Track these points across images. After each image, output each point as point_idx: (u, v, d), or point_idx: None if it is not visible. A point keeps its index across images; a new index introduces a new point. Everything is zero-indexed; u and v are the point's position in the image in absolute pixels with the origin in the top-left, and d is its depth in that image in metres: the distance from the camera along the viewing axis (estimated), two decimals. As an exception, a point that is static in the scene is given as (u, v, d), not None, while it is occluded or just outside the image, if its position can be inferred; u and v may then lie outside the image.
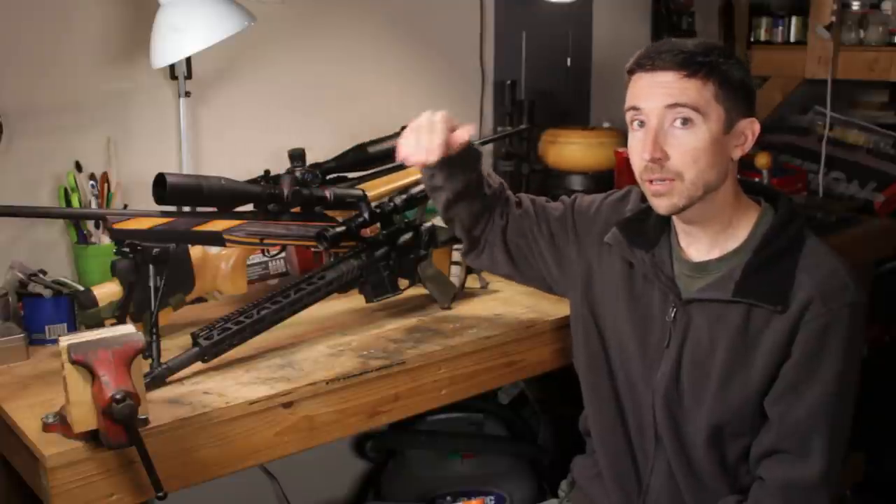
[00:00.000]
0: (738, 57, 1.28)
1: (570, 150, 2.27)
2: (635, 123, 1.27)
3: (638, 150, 1.26)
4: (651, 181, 1.26)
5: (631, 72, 1.28)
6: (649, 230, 1.38)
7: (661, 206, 1.28)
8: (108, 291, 1.45)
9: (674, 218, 1.34)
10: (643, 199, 1.39)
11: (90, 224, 1.69)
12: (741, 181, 1.34)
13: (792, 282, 1.25)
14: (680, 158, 1.23)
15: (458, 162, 1.40)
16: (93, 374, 1.09)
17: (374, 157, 1.63)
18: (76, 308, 1.49)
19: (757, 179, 2.26)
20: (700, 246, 1.33)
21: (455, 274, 1.77)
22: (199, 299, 1.68)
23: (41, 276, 1.59)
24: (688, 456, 1.34)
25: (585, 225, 1.46)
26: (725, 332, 1.28)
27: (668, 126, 1.23)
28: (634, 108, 1.26)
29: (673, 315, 1.32)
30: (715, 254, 1.32)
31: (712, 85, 1.22)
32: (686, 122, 1.22)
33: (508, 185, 1.56)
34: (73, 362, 1.09)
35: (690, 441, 1.33)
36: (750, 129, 1.27)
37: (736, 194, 1.31)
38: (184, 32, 1.58)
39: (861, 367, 1.28)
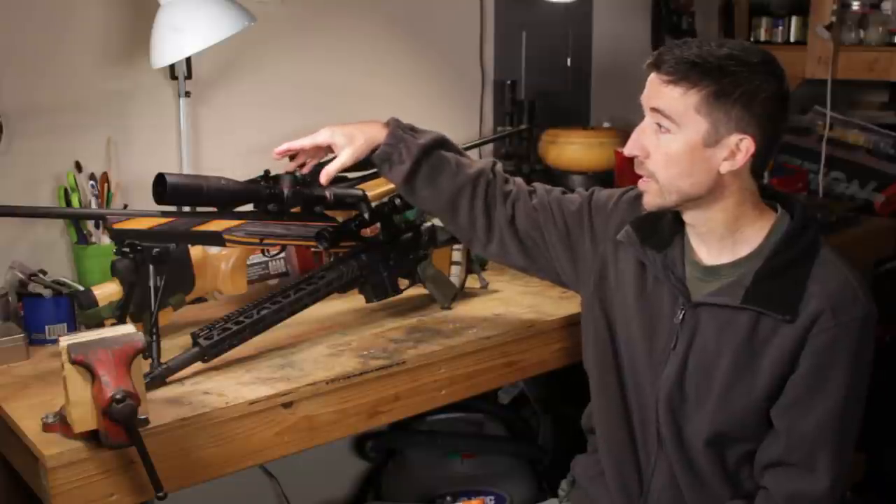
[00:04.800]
0: (774, 74, 1.23)
1: (570, 150, 2.27)
2: None
3: None
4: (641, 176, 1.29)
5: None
6: (663, 230, 1.36)
7: (643, 200, 1.31)
8: (108, 291, 1.45)
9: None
10: None
11: (90, 224, 1.69)
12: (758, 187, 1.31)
13: (803, 291, 1.24)
14: (654, 160, 1.25)
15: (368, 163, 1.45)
16: (93, 374, 1.10)
17: (374, 157, 1.63)
18: (76, 308, 1.49)
19: (765, 181, 2.26)
20: (710, 249, 1.32)
21: (455, 274, 1.77)
22: (199, 299, 1.68)
23: (41, 276, 1.59)
24: (689, 458, 1.34)
25: (602, 220, 1.44)
26: (732, 338, 1.27)
27: (653, 125, 1.25)
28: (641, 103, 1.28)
29: (681, 317, 1.31)
30: (726, 258, 1.31)
31: (696, 95, 1.20)
32: (661, 126, 1.23)
33: (523, 181, 1.52)
34: (73, 362, 1.09)
35: (691, 443, 1.33)
36: (744, 145, 1.22)
37: (742, 204, 1.28)
38: (184, 32, 1.58)
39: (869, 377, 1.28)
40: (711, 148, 1.22)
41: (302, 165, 1.49)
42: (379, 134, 1.42)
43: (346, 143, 1.41)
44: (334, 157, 1.43)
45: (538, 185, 1.51)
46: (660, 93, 1.22)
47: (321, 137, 1.42)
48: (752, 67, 1.21)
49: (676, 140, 1.22)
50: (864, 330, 1.24)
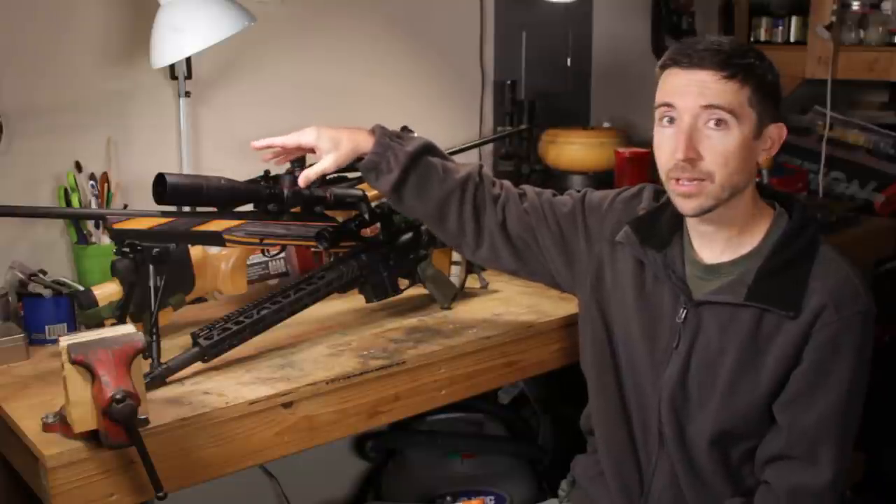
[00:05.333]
0: (769, 59, 1.27)
1: (570, 150, 2.27)
2: (665, 120, 1.25)
3: (669, 149, 1.24)
4: (678, 180, 1.24)
5: (664, 67, 1.26)
6: (662, 229, 1.36)
7: (687, 206, 1.26)
8: (108, 291, 1.45)
9: (688, 220, 1.33)
10: (656, 197, 1.39)
11: (90, 224, 1.69)
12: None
13: (805, 288, 1.25)
14: (712, 160, 1.22)
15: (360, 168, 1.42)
16: (93, 374, 1.09)
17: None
18: (76, 308, 1.49)
19: (757, 179, 2.27)
20: (713, 248, 1.32)
21: (455, 274, 1.77)
22: (199, 299, 1.68)
23: (41, 276, 1.59)
24: (691, 457, 1.34)
25: (597, 221, 1.44)
26: (736, 336, 1.27)
27: (701, 125, 1.22)
28: (667, 105, 1.24)
29: (683, 316, 1.31)
30: (727, 256, 1.31)
31: (748, 88, 1.21)
32: (720, 123, 1.21)
33: (511, 183, 1.52)
34: (73, 362, 1.09)
35: (694, 442, 1.33)
36: (777, 133, 1.27)
37: (754, 198, 1.31)
38: (184, 32, 1.58)
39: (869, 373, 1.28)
40: (756, 139, 1.25)
41: (302, 166, 1.48)
42: (365, 142, 1.39)
43: (331, 148, 1.38)
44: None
45: (527, 187, 1.50)
46: (717, 89, 1.20)
47: (306, 138, 1.39)
48: (764, 57, 1.26)
49: (734, 135, 1.22)
50: (866, 325, 1.25)
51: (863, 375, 1.26)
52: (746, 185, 1.27)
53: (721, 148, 1.22)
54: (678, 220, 1.35)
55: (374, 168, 1.39)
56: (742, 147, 1.22)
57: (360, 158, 1.40)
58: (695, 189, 1.23)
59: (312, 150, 1.41)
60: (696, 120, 1.22)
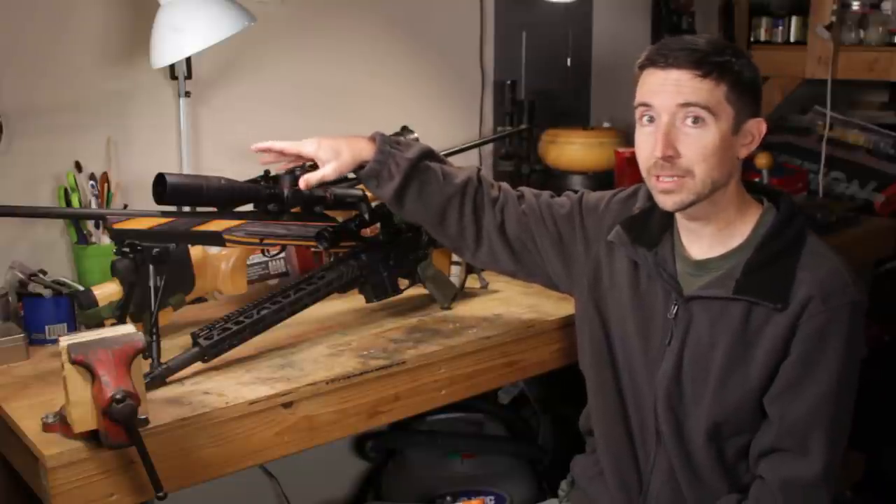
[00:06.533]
0: (748, 56, 1.28)
1: (570, 150, 2.27)
2: (645, 119, 1.27)
3: (648, 147, 1.26)
4: (658, 177, 1.26)
5: (642, 67, 1.28)
6: (652, 228, 1.37)
7: (667, 202, 1.28)
8: (108, 291, 1.45)
9: (677, 216, 1.35)
10: (650, 197, 1.40)
11: (90, 224, 1.69)
12: (743, 182, 1.34)
13: (792, 280, 1.26)
14: (691, 156, 1.24)
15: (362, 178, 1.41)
16: (93, 374, 1.10)
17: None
18: (76, 308, 1.49)
19: (757, 179, 2.27)
20: (702, 244, 1.34)
21: (455, 274, 1.77)
22: (199, 299, 1.68)
23: (41, 276, 1.59)
24: (688, 454, 1.34)
25: (594, 222, 1.45)
26: (726, 330, 1.28)
27: (679, 124, 1.24)
28: (645, 105, 1.26)
29: (675, 312, 1.32)
30: (716, 252, 1.32)
31: (724, 85, 1.23)
32: (697, 120, 1.23)
33: (509, 185, 1.53)
34: (73, 362, 1.10)
35: (691, 438, 1.33)
36: (757, 129, 1.28)
37: (739, 193, 1.32)
38: (184, 32, 1.58)
39: (861, 366, 1.29)
40: (735, 135, 1.26)
41: (302, 165, 1.47)
42: (366, 150, 1.39)
43: (332, 157, 1.38)
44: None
45: (525, 189, 1.51)
46: (693, 87, 1.22)
47: (307, 149, 1.40)
48: (743, 54, 1.27)
49: (712, 132, 1.23)
50: (855, 317, 1.25)
51: (853, 367, 1.27)
52: (728, 181, 1.28)
53: (699, 145, 1.23)
54: (668, 217, 1.36)
55: (376, 176, 1.40)
56: (720, 143, 1.24)
57: (360, 166, 1.40)
58: (675, 185, 1.26)
59: (312, 160, 1.41)
60: (673, 118, 1.24)
